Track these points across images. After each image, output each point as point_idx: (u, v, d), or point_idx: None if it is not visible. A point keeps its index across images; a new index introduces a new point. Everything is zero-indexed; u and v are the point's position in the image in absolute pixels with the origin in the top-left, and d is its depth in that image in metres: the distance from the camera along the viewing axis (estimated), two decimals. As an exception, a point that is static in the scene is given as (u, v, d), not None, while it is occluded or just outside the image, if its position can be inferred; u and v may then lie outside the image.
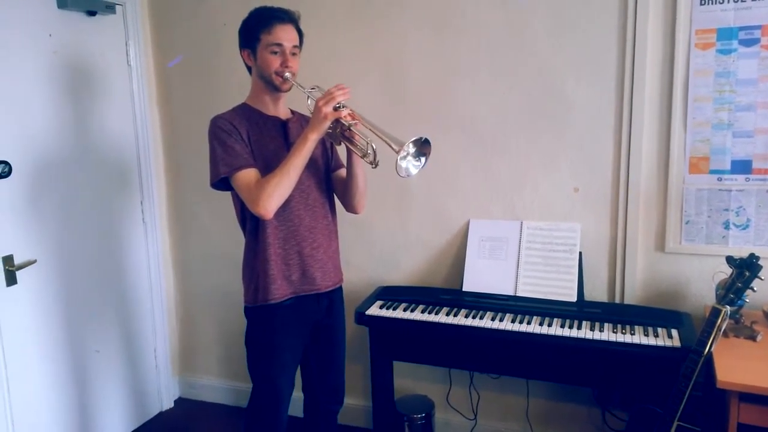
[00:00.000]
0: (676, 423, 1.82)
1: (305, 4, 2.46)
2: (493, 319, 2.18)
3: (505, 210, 2.48)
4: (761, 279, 1.78)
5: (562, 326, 2.09)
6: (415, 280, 2.68)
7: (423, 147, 1.71)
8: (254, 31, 1.86)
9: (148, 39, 2.94)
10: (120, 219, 2.80)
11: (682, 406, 1.79)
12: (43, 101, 2.38)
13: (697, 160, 2.20)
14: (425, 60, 2.51)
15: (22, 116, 2.29)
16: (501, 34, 2.39)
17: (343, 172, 2.04)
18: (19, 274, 2.28)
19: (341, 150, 1.98)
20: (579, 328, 2.08)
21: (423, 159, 1.73)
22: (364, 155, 1.80)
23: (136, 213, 2.89)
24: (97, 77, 2.64)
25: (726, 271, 1.89)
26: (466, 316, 2.22)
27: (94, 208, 2.64)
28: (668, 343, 1.95)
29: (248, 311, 1.96)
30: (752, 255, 1.81)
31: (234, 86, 2.60)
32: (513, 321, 2.16)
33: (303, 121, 2.00)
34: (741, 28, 2.08)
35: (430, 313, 2.27)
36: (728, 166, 2.16)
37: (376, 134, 1.72)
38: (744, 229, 2.17)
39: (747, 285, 1.78)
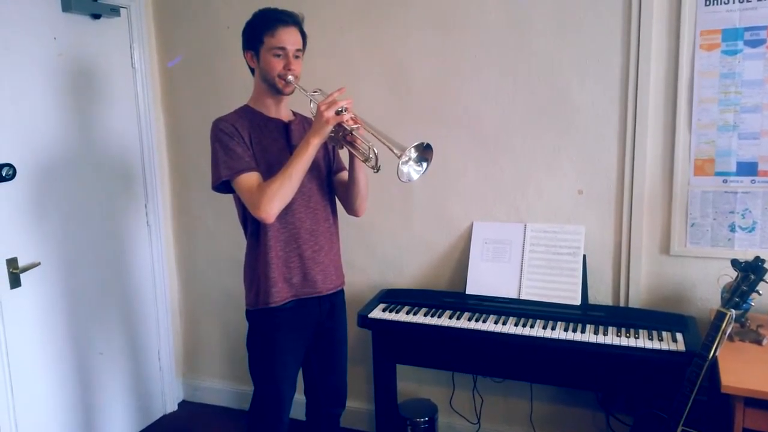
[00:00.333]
0: (680, 428, 1.80)
1: (309, 4, 2.46)
2: (496, 323, 2.17)
3: (509, 212, 2.47)
4: (767, 282, 1.77)
5: (566, 330, 2.08)
6: (418, 282, 2.67)
7: (425, 152, 1.70)
8: (258, 33, 1.86)
9: (153, 42, 2.95)
10: (124, 221, 2.81)
11: (686, 411, 1.78)
12: (47, 104, 2.39)
13: (702, 162, 2.18)
14: (429, 60, 2.50)
15: (26, 119, 2.30)
16: (504, 34, 2.38)
17: (344, 174, 2.03)
18: (23, 276, 2.29)
19: (343, 154, 1.98)
20: (583, 331, 2.07)
21: (425, 164, 1.72)
22: (366, 159, 1.80)
23: (140, 215, 2.90)
24: (101, 80, 2.65)
25: (731, 274, 1.88)
26: (470, 320, 2.21)
27: (99, 211, 2.65)
28: (673, 347, 1.94)
29: (249, 314, 1.96)
30: (758, 258, 1.80)
31: (238, 89, 2.59)
32: (516, 324, 2.14)
33: (305, 123, 2.01)
34: (746, 29, 2.07)
35: (433, 316, 2.26)
36: (734, 168, 2.14)
37: (378, 138, 1.71)
38: (750, 231, 2.15)
39: (752, 288, 1.77)
